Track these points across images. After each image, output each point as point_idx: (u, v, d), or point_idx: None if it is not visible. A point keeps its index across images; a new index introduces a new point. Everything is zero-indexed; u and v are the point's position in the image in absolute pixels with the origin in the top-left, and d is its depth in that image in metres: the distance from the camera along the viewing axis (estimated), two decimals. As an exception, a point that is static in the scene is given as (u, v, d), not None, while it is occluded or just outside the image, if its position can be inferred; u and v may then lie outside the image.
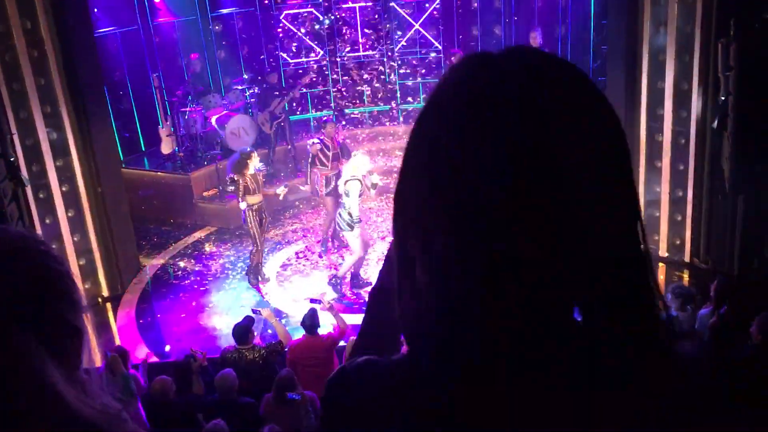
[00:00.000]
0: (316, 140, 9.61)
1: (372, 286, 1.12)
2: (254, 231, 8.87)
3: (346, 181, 8.43)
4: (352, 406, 0.83)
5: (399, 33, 13.57)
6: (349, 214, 8.40)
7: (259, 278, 9.17)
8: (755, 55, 7.18)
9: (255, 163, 8.76)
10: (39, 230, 8.38)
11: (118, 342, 8.34)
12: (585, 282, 0.72)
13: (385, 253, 1.10)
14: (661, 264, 9.01)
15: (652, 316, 0.75)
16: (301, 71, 13.17)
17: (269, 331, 7.67)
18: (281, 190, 9.28)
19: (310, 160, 9.62)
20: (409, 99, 13.71)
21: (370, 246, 9.00)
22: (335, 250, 9.80)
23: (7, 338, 0.94)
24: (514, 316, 0.71)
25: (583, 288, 0.73)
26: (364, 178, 8.42)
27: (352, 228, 8.44)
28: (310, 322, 6.51)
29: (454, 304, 0.73)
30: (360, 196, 8.45)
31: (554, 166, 0.68)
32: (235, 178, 8.66)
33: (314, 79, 12.93)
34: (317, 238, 10.31)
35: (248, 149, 9.08)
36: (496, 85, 0.71)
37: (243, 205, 8.79)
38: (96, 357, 8.17)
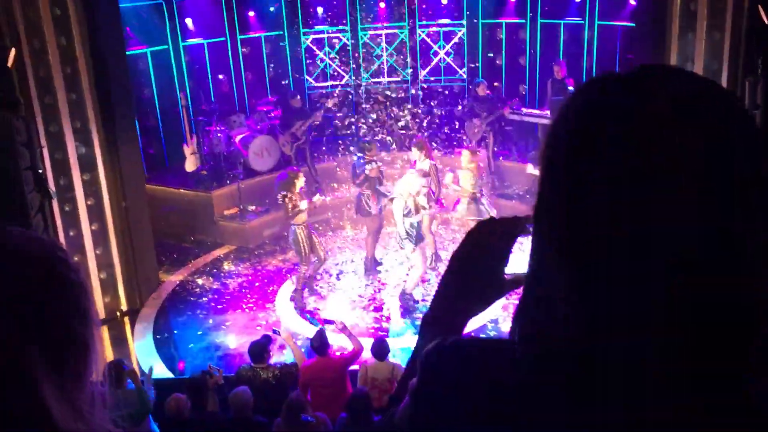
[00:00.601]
0: (378, 163, 9.64)
1: (446, 269, 1.10)
2: (304, 249, 8.87)
3: (391, 198, 8.58)
4: (450, 378, 0.82)
5: (423, 62, 13.69)
6: (399, 233, 8.59)
7: (305, 299, 9.15)
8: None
9: (300, 183, 8.82)
10: (63, 242, 8.49)
11: (134, 357, 8.39)
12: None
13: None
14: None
15: None
16: (325, 94, 13.32)
17: (284, 352, 7.68)
18: (317, 198, 9.31)
19: (364, 182, 9.53)
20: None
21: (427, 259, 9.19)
22: (370, 280, 9.74)
23: (4, 342, 0.88)
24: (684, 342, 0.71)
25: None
26: (414, 197, 8.52)
27: (402, 247, 8.65)
28: (319, 343, 6.51)
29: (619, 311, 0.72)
30: (408, 215, 8.50)
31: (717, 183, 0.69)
32: (287, 196, 8.70)
33: (338, 103, 13.05)
34: (335, 261, 10.34)
35: (295, 169, 9.20)
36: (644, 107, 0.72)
37: (302, 217, 8.83)
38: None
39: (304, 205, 8.79)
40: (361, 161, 9.51)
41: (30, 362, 0.89)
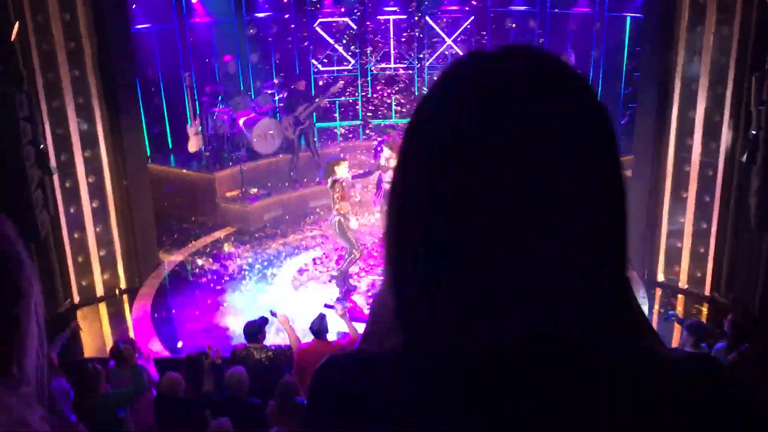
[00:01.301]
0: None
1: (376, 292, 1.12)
2: (351, 237, 8.79)
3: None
4: (340, 394, 0.83)
5: (430, 49, 13.62)
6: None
7: (346, 286, 9.05)
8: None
9: (343, 171, 8.73)
10: (63, 219, 8.50)
11: (131, 335, 8.40)
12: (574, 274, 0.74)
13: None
14: (680, 296, 8.90)
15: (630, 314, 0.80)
16: (331, 80, 13.26)
17: (280, 335, 7.68)
18: (354, 224, 8.99)
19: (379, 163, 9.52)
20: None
21: None
22: None
23: None
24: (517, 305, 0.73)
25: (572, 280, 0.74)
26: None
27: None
28: (318, 326, 6.50)
29: (449, 290, 0.74)
30: None
31: (541, 157, 0.72)
32: (337, 181, 8.60)
33: (341, 89, 12.98)
34: (335, 245, 10.33)
35: (339, 156, 9.05)
36: (490, 81, 0.75)
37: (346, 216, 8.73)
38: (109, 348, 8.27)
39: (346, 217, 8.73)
40: (383, 144, 9.50)
41: None
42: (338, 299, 8.63)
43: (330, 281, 9.22)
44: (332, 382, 0.85)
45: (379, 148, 9.56)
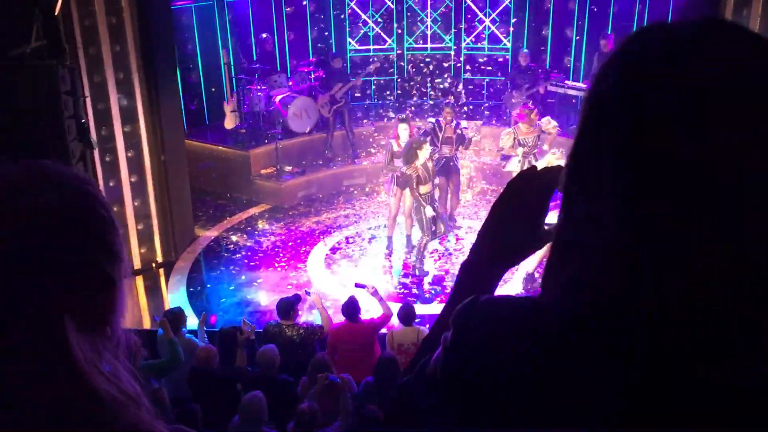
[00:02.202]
0: (432, 120, 9.78)
1: (486, 218, 1.11)
2: (425, 219, 8.76)
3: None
4: (483, 334, 0.82)
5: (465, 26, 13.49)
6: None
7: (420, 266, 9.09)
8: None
9: (425, 153, 8.71)
10: (103, 192, 8.64)
11: (168, 307, 8.57)
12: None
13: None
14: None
15: None
16: (368, 58, 13.22)
17: (313, 312, 7.77)
18: (429, 212, 8.80)
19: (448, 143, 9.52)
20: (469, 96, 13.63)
21: None
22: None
23: (25, 278, 0.85)
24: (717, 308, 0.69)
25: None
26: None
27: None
28: (350, 310, 6.56)
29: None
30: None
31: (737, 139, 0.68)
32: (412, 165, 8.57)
33: (378, 68, 12.94)
34: (368, 225, 10.39)
35: (421, 138, 9.05)
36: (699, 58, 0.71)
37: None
38: (146, 320, 8.44)
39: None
40: (440, 122, 9.49)
41: (52, 300, 0.86)
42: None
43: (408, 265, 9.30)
44: (479, 319, 0.84)
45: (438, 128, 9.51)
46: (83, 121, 7.78)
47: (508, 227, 1.07)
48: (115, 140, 8.66)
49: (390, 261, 9.43)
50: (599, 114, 0.76)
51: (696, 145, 0.68)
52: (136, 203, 8.97)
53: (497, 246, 1.08)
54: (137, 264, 9.15)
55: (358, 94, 13.12)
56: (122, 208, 8.83)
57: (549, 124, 9.56)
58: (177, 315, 6.43)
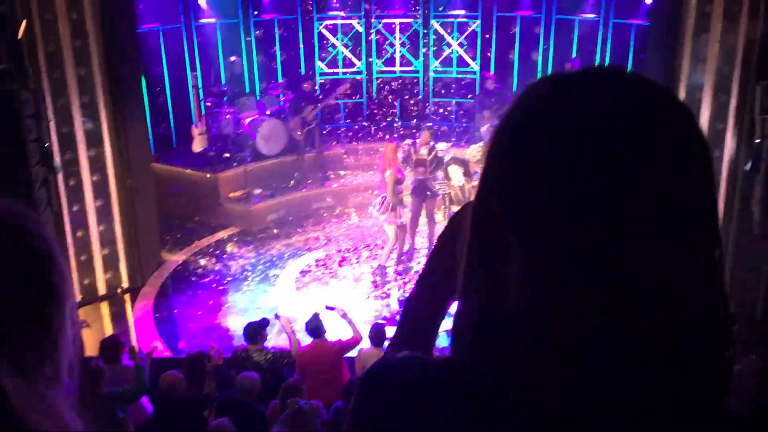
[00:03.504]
0: (408, 141, 9.93)
1: (430, 251, 1.09)
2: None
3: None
4: (389, 398, 0.80)
5: (434, 48, 13.64)
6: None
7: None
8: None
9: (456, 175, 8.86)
10: (66, 217, 8.53)
11: (133, 334, 8.43)
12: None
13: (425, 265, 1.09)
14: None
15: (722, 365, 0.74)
16: (337, 81, 13.28)
17: (282, 335, 7.69)
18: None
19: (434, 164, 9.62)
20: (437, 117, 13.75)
21: None
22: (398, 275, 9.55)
23: None
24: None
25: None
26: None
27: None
28: (314, 325, 6.52)
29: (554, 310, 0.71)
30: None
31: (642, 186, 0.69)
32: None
33: (349, 91, 13.01)
34: (338, 247, 10.36)
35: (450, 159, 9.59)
36: (585, 110, 0.72)
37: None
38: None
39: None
40: (416, 144, 9.56)
41: None
42: None
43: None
44: (382, 384, 0.82)
45: (415, 150, 9.57)
46: (47, 145, 7.68)
47: (453, 259, 1.05)
48: (80, 164, 8.56)
49: (379, 288, 9.31)
50: (489, 168, 0.77)
51: (571, 199, 0.69)
52: (101, 228, 8.84)
53: (441, 279, 1.05)
54: (102, 290, 9.00)
55: (327, 117, 13.16)
56: (87, 233, 8.70)
57: None
58: (114, 344, 6.28)
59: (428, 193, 9.61)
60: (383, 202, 9.26)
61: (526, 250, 0.72)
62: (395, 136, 12.27)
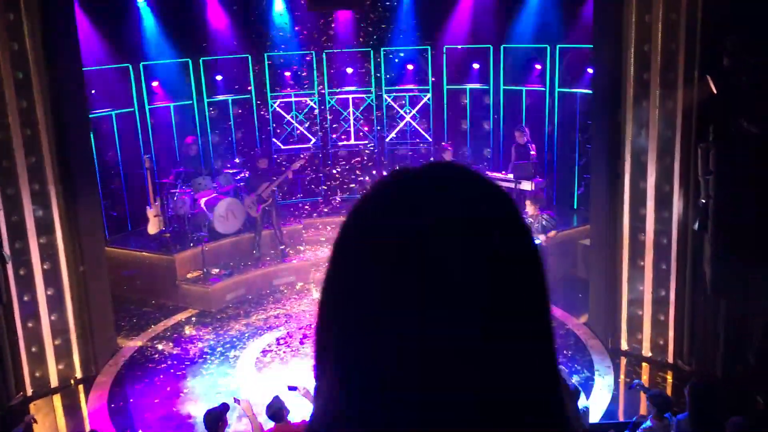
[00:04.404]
0: None
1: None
2: None
3: None
4: None
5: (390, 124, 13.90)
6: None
7: None
8: (734, 160, 7.36)
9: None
10: (16, 307, 8.27)
11: (87, 426, 8.09)
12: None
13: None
14: (644, 364, 8.92)
15: None
16: (293, 157, 13.38)
17: (243, 420, 7.46)
18: None
19: None
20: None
21: None
22: None
23: None
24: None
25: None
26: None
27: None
28: (275, 408, 6.33)
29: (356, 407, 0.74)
30: None
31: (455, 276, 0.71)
32: None
33: (304, 165, 13.10)
34: (299, 324, 10.21)
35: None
36: (406, 204, 0.75)
37: None
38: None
39: None
40: None
41: None
42: None
43: None
44: None
45: None
46: (-5, 235, 7.52)
47: None
48: (30, 253, 8.36)
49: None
50: (335, 260, 0.79)
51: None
52: (52, 317, 8.59)
53: None
54: (54, 382, 8.68)
55: (284, 192, 13.18)
56: (38, 323, 8.44)
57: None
58: None
59: None
60: None
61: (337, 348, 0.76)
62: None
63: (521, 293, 0.74)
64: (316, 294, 10.95)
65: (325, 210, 13.22)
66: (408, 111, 13.87)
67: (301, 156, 13.19)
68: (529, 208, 9.92)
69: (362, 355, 0.73)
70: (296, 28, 13.25)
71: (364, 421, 0.73)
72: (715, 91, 7.35)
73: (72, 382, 8.81)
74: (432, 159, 13.48)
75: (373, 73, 13.64)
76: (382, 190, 0.79)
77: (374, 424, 0.73)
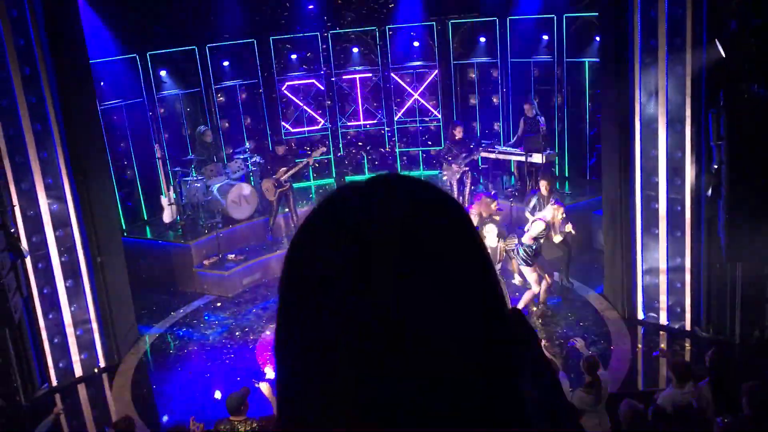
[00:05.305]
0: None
1: None
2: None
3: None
4: None
5: (398, 99, 13.86)
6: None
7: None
8: (745, 125, 7.27)
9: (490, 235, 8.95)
10: (37, 300, 8.40)
11: (113, 414, 8.24)
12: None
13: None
14: (661, 332, 8.92)
15: None
16: (310, 142, 13.42)
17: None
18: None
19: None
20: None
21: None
22: None
23: None
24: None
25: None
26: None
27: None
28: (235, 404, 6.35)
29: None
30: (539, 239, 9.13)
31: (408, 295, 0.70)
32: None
33: (325, 152, 13.11)
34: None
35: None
36: (355, 222, 0.74)
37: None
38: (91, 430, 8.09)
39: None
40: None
41: None
42: None
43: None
44: None
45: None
46: (12, 230, 7.62)
47: None
48: (48, 246, 8.47)
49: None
50: (288, 278, 0.80)
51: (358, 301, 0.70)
52: (72, 309, 8.72)
53: None
54: (78, 372, 8.82)
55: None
56: (58, 314, 8.57)
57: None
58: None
59: None
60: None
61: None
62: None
63: (462, 299, 0.73)
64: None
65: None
66: (416, 88, 13.80)
67: (321, 144, 13.22)
68: (543, 188, 9.75)
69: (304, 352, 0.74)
70: (309, 7, 13.23)
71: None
72: (723, 55, 7.25)
73: (96, 371, 8.96)
74: (442, 134, 13.44)
75: (379, 51, 13.57)
76: (322, 212, 0.80)
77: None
